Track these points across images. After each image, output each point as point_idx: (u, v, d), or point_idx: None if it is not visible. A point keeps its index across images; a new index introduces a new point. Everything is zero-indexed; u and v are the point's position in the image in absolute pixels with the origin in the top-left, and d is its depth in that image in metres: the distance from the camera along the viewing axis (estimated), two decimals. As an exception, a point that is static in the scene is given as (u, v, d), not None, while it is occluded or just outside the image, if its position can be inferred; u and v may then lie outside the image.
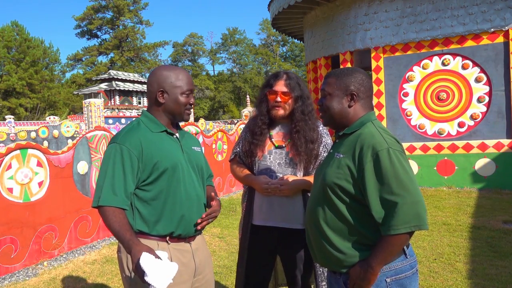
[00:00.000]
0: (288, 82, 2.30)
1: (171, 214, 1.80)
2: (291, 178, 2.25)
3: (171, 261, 1.73)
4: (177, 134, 1.94)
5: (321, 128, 2.38)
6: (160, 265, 1.52)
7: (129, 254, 1.63)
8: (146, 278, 1.50)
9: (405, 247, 1.61)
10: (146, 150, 1.78)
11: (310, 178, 2.23)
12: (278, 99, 2.28)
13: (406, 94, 8.36)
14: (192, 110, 1.95)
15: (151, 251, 1.60)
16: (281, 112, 2.30)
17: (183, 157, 1.88)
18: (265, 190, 2.24)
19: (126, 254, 1.77)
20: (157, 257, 1.57)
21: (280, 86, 2.29)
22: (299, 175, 2.33)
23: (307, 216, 1.76)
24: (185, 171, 1.86)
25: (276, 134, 2.37)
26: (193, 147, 2.00)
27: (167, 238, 1.80)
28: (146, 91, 1.95)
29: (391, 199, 1.48)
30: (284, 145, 2.33)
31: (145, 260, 1.52)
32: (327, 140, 2.38)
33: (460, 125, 7.90)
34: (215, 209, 1.92)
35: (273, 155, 2.34)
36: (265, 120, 2.35)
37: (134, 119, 1.95)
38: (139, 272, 1.54)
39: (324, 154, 2.33)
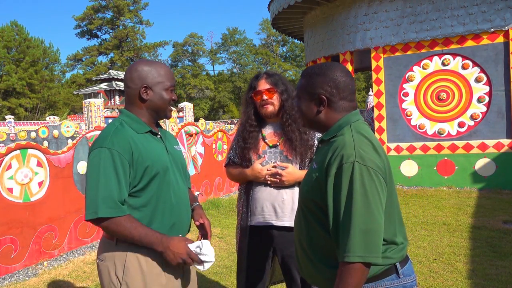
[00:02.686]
0: (269, 80, 2.35)
1: (162, 220, 1.74)
2: (291, 167, 2.26)
3: (162, 273, 1.74)
4: (159, 134, 1.85)
5: None
6: (204, 246, 1.72)
7: (165, 251, 1.63)
8: (205, 258, 1.70)
9: (398, 265, 1.42)
10: (136, 153, 1.66)
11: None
12: (264, 97, 2.32)
13: (406, 94, 8.36)
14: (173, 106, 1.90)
15: (187, 240, 1.70)
16: (270, 108, 2.34)
17: (169, 159, 1.81)
18: (264, 176, 2.26)
19: (114, 262, 1.68)
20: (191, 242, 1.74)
21: (263, 85, 2.34)
22: None
23: (293, 229, 1.66)
24: (172, 172, 1.79)
25: (268, 134, 2.40)
26: (175, 147, 1.94)
27: None
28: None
29: (340, 221, 1.32)
30: (277, 144, 2.35)
31: (194, 247, 1.70)
32: (318, 134, 2.39)
33: (460, 125, 7.90)
34: (209, 228, 1.94)
35: (268, 154, 2.35)
36: (252, 123, 2.38)
37: (113, 119, 1.83)
38: (195, 258, 1.67)
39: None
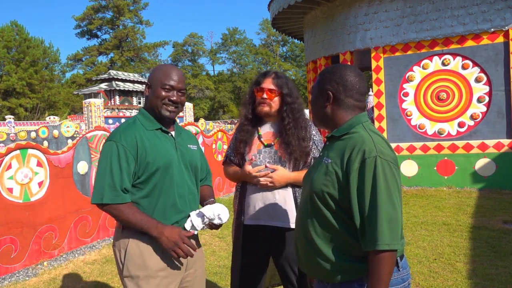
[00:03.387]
0: (275, 81, 2.34)
1: (163, 213, 1.83)
2: (280, 170, 2.26)
3: (163, 257, 1.82)
4: (172, 133, 1.94)
5: (310, 124, 2.41)
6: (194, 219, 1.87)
7: (159, 236, 1.74)
8: (222, 217, 1.85)
9: (398, 259, 1.52)
10: (141, 148, 1.80)
11: (300, 173, 2.24)
12: (264, 95, 2.32)
13: (406, 94, 8.36)
14: (174, 107, 1.89)
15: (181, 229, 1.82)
16: (266, 108, 2.33)
17: (176, 155, 1.89)
18: (254, 177, 2.26)
19: (120, 248, 1.84)
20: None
21: (267, 84, 2.33)
22: None
23: (295, 224, 1.70)
24: (178, 170, 1.87)
25: (265, 133, 2.39)
26: (189, 145, 2.00)
27: None
28: (147, 91, 2.01)
29: (366, 212, 1.40)
30: (272, 143, 2.35)
31: (189, 227, 1.84)
32: (316, 137, 2.39)
33: (460, 125, 7.90)
34: None
35: (263, 154, 2.35)
36: (249, 117, 2.39)
37: (132, 117, 1.98)
38: (188, 242, 1.78)
39: (315, 152, 2.34)
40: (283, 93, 2.32)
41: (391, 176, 1.42)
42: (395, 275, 1.48)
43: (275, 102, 2.33)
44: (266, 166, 2.26)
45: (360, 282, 1.47)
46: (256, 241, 2.35)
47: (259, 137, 2.38)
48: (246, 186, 2.37)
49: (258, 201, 2.32)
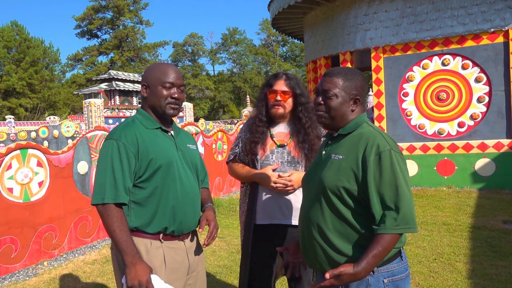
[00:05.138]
0: (288, 82, 2.36)
1: (165, 211, 1.80)
2: (295, 173, 2.28)
3: (165, 264, 1.80)
4: (171, 132, 1.94)
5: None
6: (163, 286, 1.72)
7: (130, 266, 1.65)
8: None
9: (402, 249, 1.63)
10: (142, 147, 1.78)
11: None
12: (278, 98, 2.33)
13: (406, 94, 8.36)
14: (178, 105, 1.90)
15: (151, 271, 1.70)
16: (281, 110, 2.35)
17: (177, 155, 1.88)
18: (273, 183, 2.26)
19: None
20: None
21: (280, 86, 2.35)
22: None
23: (302, 220, 1.74)
24: (180, 168, 1.85)
25: (277, 133, 2.40)
26: (188, 145, 1.99)
27: (161, 236, 1.80)
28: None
29: (387, 199, 1.51)
30: (285, 144, 2.36)
31: (156, 282, 1.68)
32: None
33: (460, 125, 7.90)
34: (213, 231, 1.98)
35: (275, 154, 2.37)
36: (262, 119, 2.40)
37: (130, 116, 1.96)
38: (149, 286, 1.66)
39: None
40: (296, 93, 2.34)
41: (403, 166, 1.56)
42: (400, 265, 1.59)
43: (289, 103, 2.35)
44: (279, 176, 2.26)
45: (371, 273, 1.54)
46: (268, 240, 2.36)
47: (272, 136, 2.39)
48: (257, 185, 2.38)
49: (272, 200, 2.33)
